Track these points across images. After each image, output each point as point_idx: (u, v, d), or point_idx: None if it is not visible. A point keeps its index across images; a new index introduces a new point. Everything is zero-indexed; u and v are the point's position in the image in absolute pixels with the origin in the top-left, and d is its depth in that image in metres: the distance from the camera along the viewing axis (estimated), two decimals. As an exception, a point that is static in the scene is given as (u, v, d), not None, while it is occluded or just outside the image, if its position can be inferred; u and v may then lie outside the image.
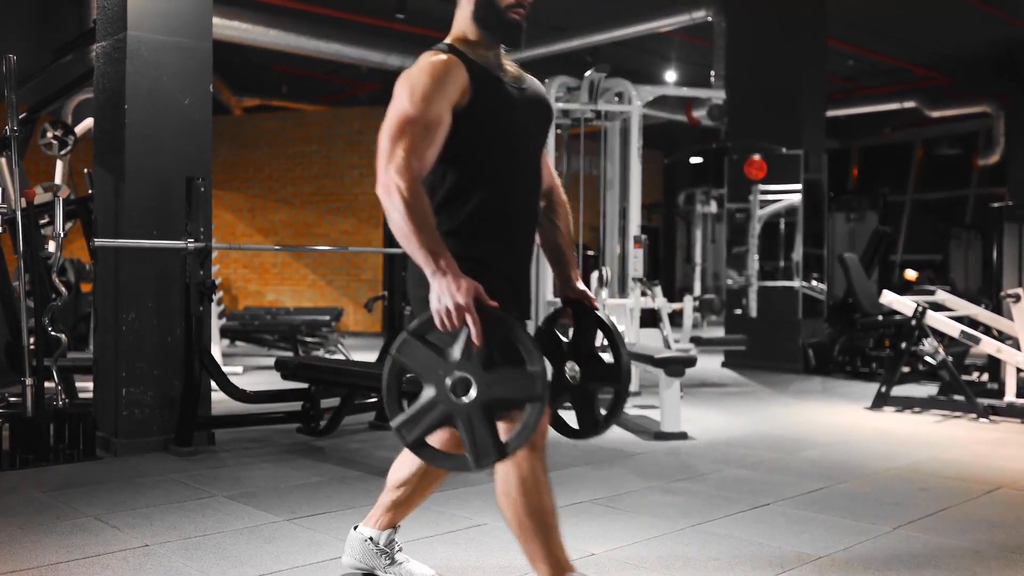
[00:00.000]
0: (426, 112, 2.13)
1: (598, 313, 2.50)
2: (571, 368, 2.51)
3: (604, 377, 2.52)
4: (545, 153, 2.49)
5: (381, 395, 2.14)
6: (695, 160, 18.43)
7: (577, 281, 2.53)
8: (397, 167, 2.07)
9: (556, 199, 2.58)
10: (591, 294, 2.51)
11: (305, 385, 5.20)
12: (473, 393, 2.03)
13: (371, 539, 2.67)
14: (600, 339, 2.52)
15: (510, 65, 2.39)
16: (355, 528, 2.75)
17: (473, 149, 2.24)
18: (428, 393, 2.06)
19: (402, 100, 2.15)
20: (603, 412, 2.55)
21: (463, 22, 2.32)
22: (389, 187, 2.06)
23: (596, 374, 2.51)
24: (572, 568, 2.30)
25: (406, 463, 2.57)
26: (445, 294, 2.00)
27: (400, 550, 2.71)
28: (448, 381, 2.03)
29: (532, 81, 2.44)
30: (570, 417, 2.62)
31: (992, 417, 6.17)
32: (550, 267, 2.61)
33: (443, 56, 2.21)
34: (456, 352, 2.03)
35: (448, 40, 2.33)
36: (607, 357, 2.51)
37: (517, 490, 2.21)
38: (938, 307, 6.83)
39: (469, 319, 2.00)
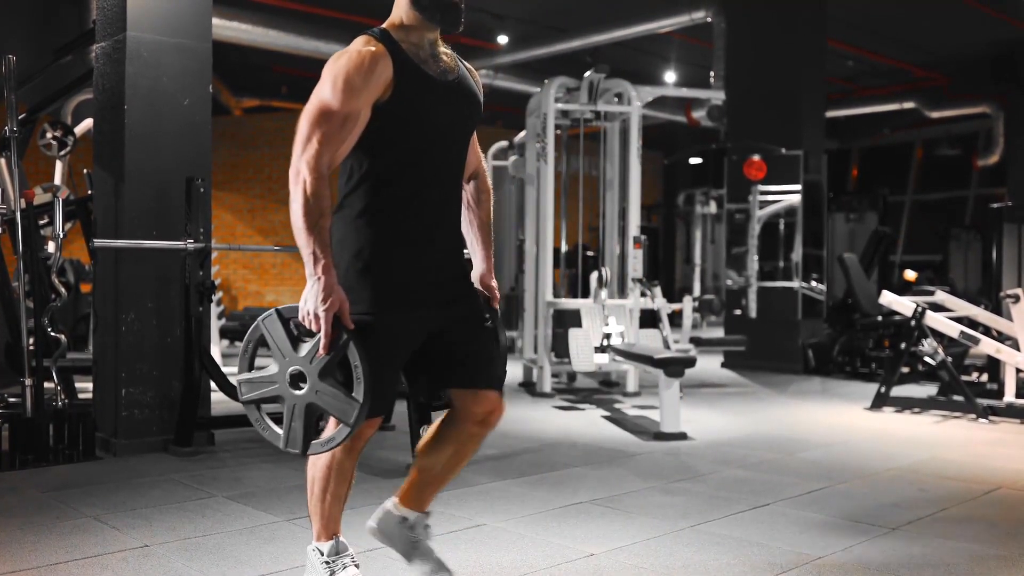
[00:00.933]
0: (345, 105, 2.18)
1: (495, 312, 2.57)
2: None
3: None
4: (474, 140, 2.54)
5: (240, 356, 2.31)
6: (695, 161, 18.43)
7: (490, 275, 2.59)
8: (308, 160, 2.15)
9: (480, 185, 2.61)
10: (497, 292, 2.59)
11: (305, 385, 5.19)
12: (303, 391, 2.22)
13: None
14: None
15: (445, 54, 2.39)
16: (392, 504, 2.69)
17: (391, 142, 2.28)
18: (272, 368, 2.26)
19: (325, 88, 2.20)
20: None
21: (400, 6, 2.33)
22: (297, 175, 2.15)
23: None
24: (339, 531, 2.47)
25: (433, 444, 2.60)
26: (311, 299, 2.14)
27: (431, 547, 2.65)
28: (289, 369, 2.23)
29: (464, 71, 2.45)
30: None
31: (991, 417, 6.17)
32: (469, 253, 2.64)
33: (371, 48, 2.23)
34: (303, 349, 2.21)
35: (385, 24, 2.34)
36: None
37: (323, 467, 2.39)
38: (937, 307, 6.83)
39: (323, 331, 2.13)
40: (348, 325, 2.17)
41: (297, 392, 2.23)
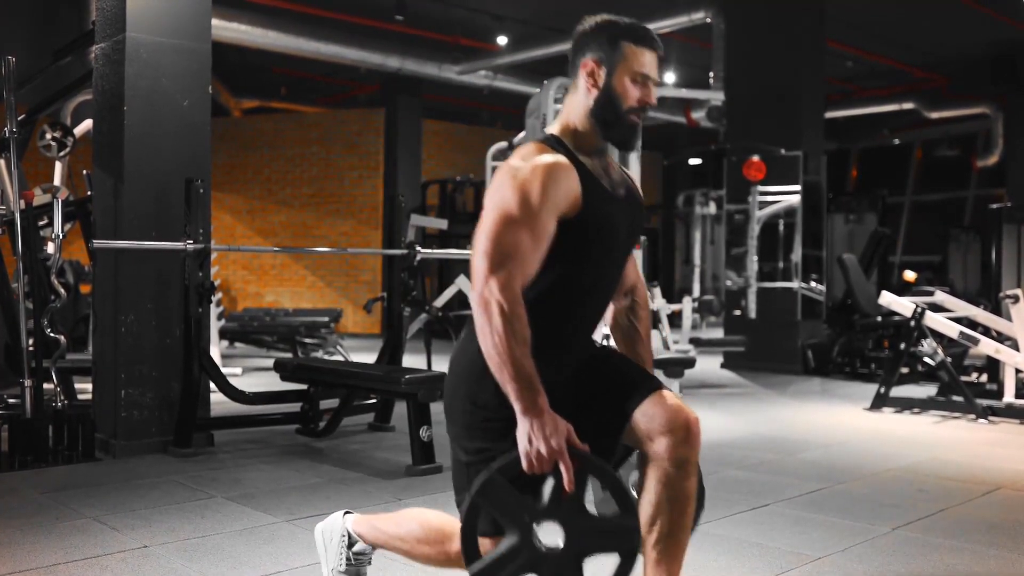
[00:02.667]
0: (535, 220, 1.96)
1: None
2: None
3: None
4: (632, 254, 2.35)
5: (463, 542, 1.90)
6: (694, 161, 18.45)
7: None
8: (500, 282, 1.89)
9: (639, 300, 2.43)
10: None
11: (304, 386, 5.20)
12: (562, 543, 1.89)
13: (348, 535, 2.47)
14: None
15: (613, 165, 2.23)
16: (345, 514, 2.54)
17: (571, 260, 2.07)
18: (510, 540, 1.89)
19: (508, 200, 1.96)
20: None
21: (576, 112, 2.14)
22: (489, 303, 1.89)
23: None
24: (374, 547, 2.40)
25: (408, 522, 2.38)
26: (538, 436, 1.85)
27: (367, 565, 2.55)
28: (535, 530, 1.88)
29: (630, 182, 2.28)
30: None
31: (991, 418, 6.17)
32: None
33: (555, 158, 2.03)
34: (545, 497, 1.89)
35: (556, 129, 2.15)
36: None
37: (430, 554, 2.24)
38: (937, 308, 6.83)
39: (562, 465, 1.85)
40: (582, 447, 1.89)
41: (556, 549, 1.88)
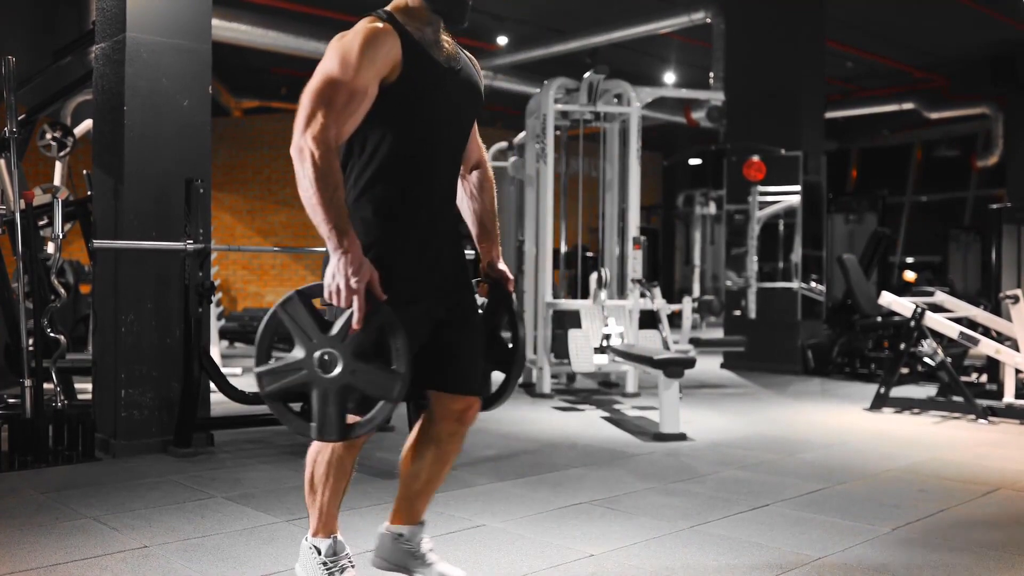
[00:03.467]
0: (353, 79, 2.11)
1: (510, 296, 2.55)
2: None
3: (500, 360, 2.56)
4: (475, 131, 2.51)
5: (257, 344, 2.18)
6: (694, 162, 18.44)
7: (498, 260, 2.56)
8: (314, 133, 2.05)
9: (483, 175, 2.58)
10: (510, 275, 2.56)
11: (304, 386, 5.19)
12: (336, 372, 2.08)
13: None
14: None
15: (447, 41, 2.35)
16: (384, 527, 2.63)
17: (395, 125, 2.23)
18: (297, 354, 2.12)
19: (331, 63, 2.13)
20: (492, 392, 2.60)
21: None
22: (303, 151, 2.05)
23: (493, 355, 2.54)
24: (336, 530, 2.44)
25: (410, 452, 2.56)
26: (340, 273, 2.04)
27: (431, 549, 2.63)
28: (317, 353, 2.09)
29: (467, 61, 2.42)
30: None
31: (991, 418, 6.17)
32: (475, 243, 2.62)
33: (379, 24, 2.19)
34: (334, 329, 2.08)
35: (388, 7, 2.31)
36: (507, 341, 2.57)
37: (324, 462, 2.34)
38: (937, 308, 6.83)
39: (356, 303, 2.04)
40: (380, 296, 2.08)
41: (330, 375, 2.09)
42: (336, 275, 2.05)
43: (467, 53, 2.46)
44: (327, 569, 2.41)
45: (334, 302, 2.07)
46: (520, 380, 7.87)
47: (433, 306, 2.33)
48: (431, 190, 2.33)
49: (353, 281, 2.03)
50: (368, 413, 2.13)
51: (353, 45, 2.13)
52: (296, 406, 2.23)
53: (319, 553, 2.42)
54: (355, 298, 2.04)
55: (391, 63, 2.17)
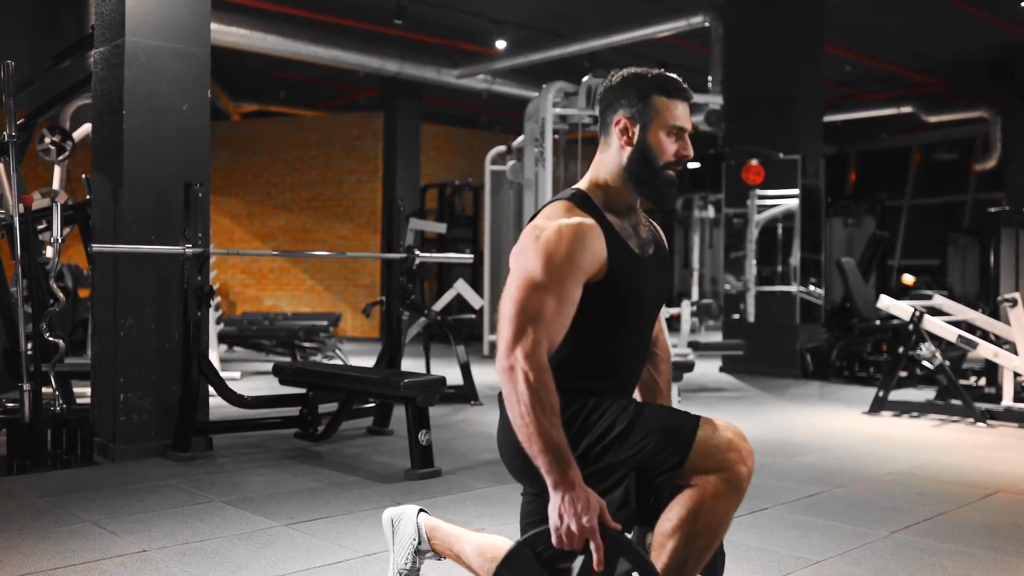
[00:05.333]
0: (560, 285, 1.91)
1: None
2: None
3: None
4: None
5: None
6: (693, 165, 18.44)
7: None
8: (526, 350, 1.84)
9: (660, 353, 2.36)
10: None
11: (303, 390, 5.20)
12: None
13: (419, 540, 2.45)
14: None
15: (643, 222, 2.19)
16: (421, 511, 2.51)
17: (596, 323, 2.02)
18: None
19: (533, 265, 1.91)
20: None
21: (608, 169, 2.09)
22: (515, 371, 1.84)
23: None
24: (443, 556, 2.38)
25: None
26: (569, 512, 1.79)
27: (422, 565, 2.54)
28: None
29: (659, 237, 2.24)
30: None
31: (989, 421, 6.17)
32: None
33: (582, 220, 1.97)
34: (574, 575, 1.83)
35: (585, 185, 2.10)
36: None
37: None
38: (935, 312, 6.84)
39: (592, 544, 1.78)
40: (614, 526, 1.83)
41: None
42: (565, 516, 1.79)
43: (654, 224, 2.26)
44: (414, 565, 2.43)
45: (567, 546, 1.80)
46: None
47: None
48: (627, 381, 2.16)
49: (585, 519, 1.78)
50: None
51: (558, 247, 1.91)
52: None
53: (419, 542, 2.41)
54: (591, 537, 1.79)
55: (597, 264, 1.97)
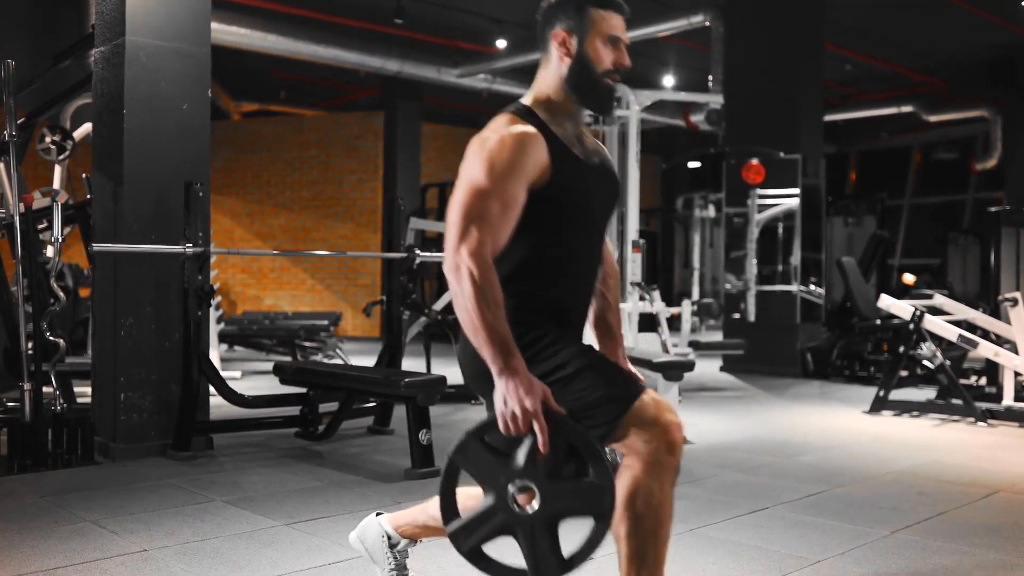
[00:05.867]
0: (504, 190, 2.00)
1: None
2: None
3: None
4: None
5: (441, 502, 1.99)
6: (693, 165, 18.45)
7: (624, 361, 2.37)
8: (470, 249, 1.94)
9: (608, 269, 2.42)
10: (640, 377, 2.25)
11: (303, 390, 5.20)
12: (536, 504, 1.91)
13: (388, 536, 2.53)
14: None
15: (587, 134, 2.26)
16: (377, 514, 2.59)
17: (543, 229, 2.11)
18: (487, 500, 1.93)
19: (477, 172, 2.00)
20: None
21: (550, 82, 2.17)
22: (460, 269, 1.94)
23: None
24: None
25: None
26: (512, 397, 1.88)
27: (407, 559, 2.62)
28: (510, 491, 1.91)
29: (604, 152, 2.31)
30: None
31: (990, 421, 6.17)
32: (596, 341, 2.44)
33: (524, 128, 2.06)
34: (519, 460, 1.90)
35: (529, 99, 2.19)
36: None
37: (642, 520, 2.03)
38: (936, 311, 6.83)
39: (536, 426, 1.87)
40: (558, 410, 1.91)
41: (530, 511, 1.90)
42: (508, 401, 1.89)
43: (599, 142, 2.34)
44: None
45: (512, 430, 1.89)
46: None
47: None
48: (578, 291, 2.22)
49: (528, 403, 1.88)
50: (585, 538, 1.94)
51: (500, 154, 2.01)
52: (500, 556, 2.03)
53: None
54: (535, 420, 1.88)
55: (539, 169, 2.06)
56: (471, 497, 2.06)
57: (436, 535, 2.40)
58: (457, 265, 1.94)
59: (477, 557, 2.00)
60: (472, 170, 2.02)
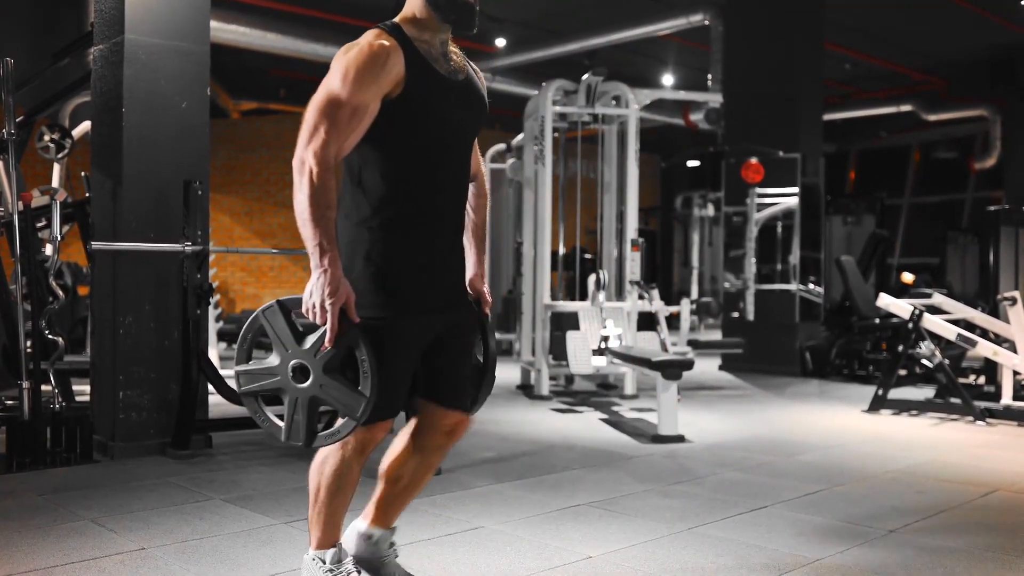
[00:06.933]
0: (354, 96, 2.13)
1: (486, 317, 2.57)
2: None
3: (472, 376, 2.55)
4: (475, 143, 2.50)
5: (238, 347, 2.29)
6: (692, 164, 18.45)
7: (480, 280, 2.56)
8: (315, 148, 2.10)
9: (478, 189, 2.58)
10: (489, 297, 2.58)
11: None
12: (307, 384, 2.18)
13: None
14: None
15: (455, 53, 2.37)
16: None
17: (399, 139, 2.24)
18: (272, 360, 2.22)
19: (334, 79, 2.16)
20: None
21: (413, 2, 2.30)
22: (303, 165, 2.10)
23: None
24: (339, 539, 2.46)
25: (394, 454, 2.57)
26: (317, 291, 2.10)
27: (397, 556, 2.61)
28: (292, 362, 2.19)
29: (472, 72, 2.42)
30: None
31: (989, 420, 6.18)
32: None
33: (383, 41, 2.20)
34: (307, 342, 2.17)
35: (397, 18, 2.31)
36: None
37: (331, 472, 2.36)
38: (935, 310, 6.83)
39: (328, 323, 2.10)
40: (354, 319, 2.14)
41: (300, 385, 2.19)
42: (313, 293, 2.10)
43: (473, 66, 2.46)
44: (333, 574, 2.40)
45: (309, 318, 2.12)
46: (518, 382, 7.80)
47: (434, 320, 2.34)
48: (436, 205, 2.32)
49: (328, 301, 2.09)
50: (334, 427, 2.21)
51: (356, 61, 2.15)
52: (272, 409, 2.32)
53: (324, 563, 2.41)
54: (329, 318, 2.10)
55: (394, 79, 2.19)
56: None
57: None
58: (303, 161, 2.10)
59: (250, 397, 2.28)
60: (331, 76, 2.17)
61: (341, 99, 2.13)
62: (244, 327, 2.25)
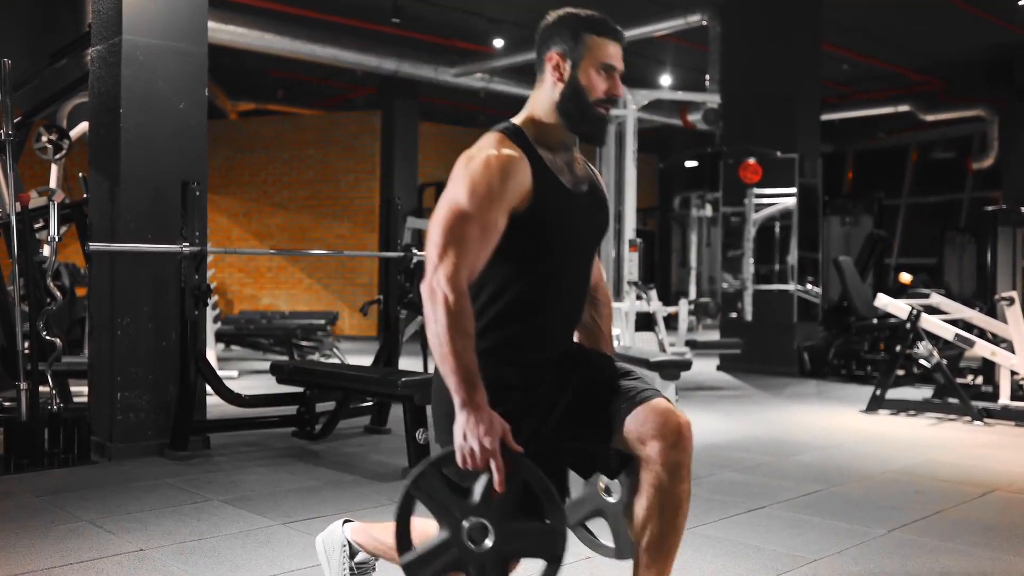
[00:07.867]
0: (484, 214, 1.95)
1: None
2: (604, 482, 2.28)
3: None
4: (597, 253, 2.35)
5: (396, 532, 1.94)
6: (690, 164, 18.45)
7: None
8: (447, 273, 1.90)
9: (601, 298, 2.39)
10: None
11: (300, 389, 5.20)
12: (489, 543, 1.89)
13: (349, 545, 2.48)
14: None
15: (579, 160, 2.21)
16: (345, 522, 2.54)
17: (523, 256, 2.07)
18: (441, 534, 1.91)
19: (459, 193, 1.96)
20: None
21: (542, 104, 2.13)
22: (435, 293, 1.90)
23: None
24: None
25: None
26: (472, 433, 1.86)
27: (369, 573, 2.55)
28: (465, 526, 1.89)
29: (596, 180, 2.26)
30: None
31: (987, 420, 6.18)
32: None
33: (509, 151, 2.02)
34: (476, 495, 1.89)
35: (520, 119, 2.14)
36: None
37: None
38: (933, 310, 6.84)
39: (493, 464, 1.86)
40: (516, 449, 1.88)
41: (484, 547, 1.88)
42: (468, 436, 1.86)
43: (592, 167, 2.29)
44: (351, 572, 2.42)
45: (470, 465, 1.87)
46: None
47: (559, 399, 2.13)
48: (558, 320, 2.18)
49: (487, 441, 1.85)
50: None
51: (483, 174, 1.97)
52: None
53: (351, 557, 2.40)
54: (492, 459, 1.85)
55: (521, 194, 2.01)
56: (427, 528, 2.02)
57: (391, 560, 2.30)
58: (433, 289, 1.91)
59: None
60: (455, 191, 1.98)
61: (470, 215, 1.94)
62: (397, 510, 1.92)
